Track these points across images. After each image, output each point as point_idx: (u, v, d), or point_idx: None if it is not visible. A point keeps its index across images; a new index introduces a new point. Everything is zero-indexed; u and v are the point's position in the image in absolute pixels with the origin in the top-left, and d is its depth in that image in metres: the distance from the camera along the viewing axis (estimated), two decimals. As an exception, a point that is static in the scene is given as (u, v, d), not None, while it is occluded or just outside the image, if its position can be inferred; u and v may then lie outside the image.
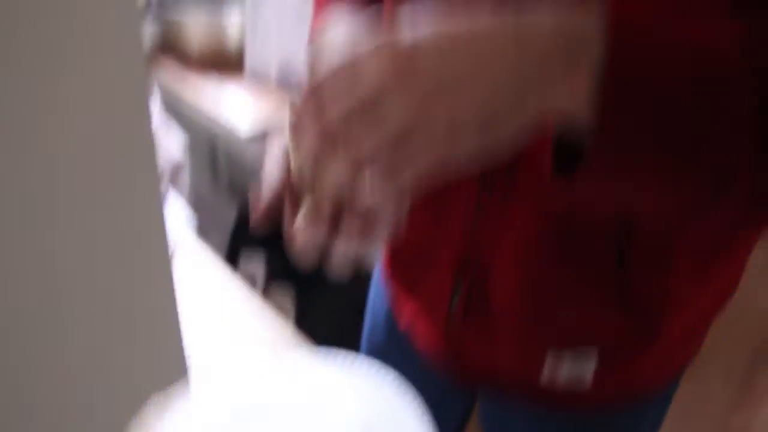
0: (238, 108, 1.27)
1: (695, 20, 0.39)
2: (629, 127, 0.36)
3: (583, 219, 0.49)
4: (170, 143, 1.24)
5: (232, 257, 1.41)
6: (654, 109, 0.36)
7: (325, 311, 1.33)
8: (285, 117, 0.46)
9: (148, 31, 1.52)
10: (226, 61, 1.41)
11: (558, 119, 0.37)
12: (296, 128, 0.38)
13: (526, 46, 0.35)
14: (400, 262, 0.65)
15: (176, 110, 1.38)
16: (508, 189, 0.51)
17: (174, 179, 1.24)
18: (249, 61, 1.33)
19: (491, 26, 0.36)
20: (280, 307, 1.27)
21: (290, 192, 0.45)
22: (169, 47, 1.46)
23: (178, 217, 0.97)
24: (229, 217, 1.55)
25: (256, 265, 1.38)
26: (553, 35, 0.35)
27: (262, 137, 1.20)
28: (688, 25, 0.38)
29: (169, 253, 0.43)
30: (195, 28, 1.40)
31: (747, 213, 0.42)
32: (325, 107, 0.36)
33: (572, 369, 0.57)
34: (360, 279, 0.85)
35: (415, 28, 0.36)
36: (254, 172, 1.66)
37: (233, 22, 1.39)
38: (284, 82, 1.28)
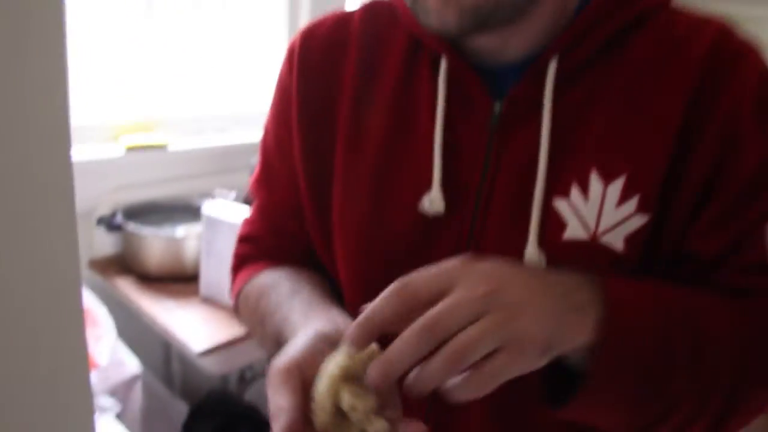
0: (192, 323, 1.36)
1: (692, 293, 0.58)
2: (617, 372, 0.51)
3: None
4: (125, 357, 1.31)
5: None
6: (635, 364, 0.52)
7: None
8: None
9: (107, 244, 1.63)
10: (183, 277, 1.53)
11: (568, 353, 0.50)
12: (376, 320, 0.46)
13: (559, 296, 0.49)
14: None
15: (133, 321, 1.46)
16: None
17: (128, 391, 1.29)
18: (203, 278, 1.44)
19: (533, 273, 0.51)
20: None
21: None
22: (128, 260, 1.56)
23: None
24: (179, 420, 1.58)
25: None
26: (571, 293, 0.51)
27: (215, 351, 1.28)
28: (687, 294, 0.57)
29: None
30: (153, 243, 1.52)
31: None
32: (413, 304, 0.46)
33: None
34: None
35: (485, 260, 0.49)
36: (207, 379, 1.71)
37: (191, 240, 1.52)
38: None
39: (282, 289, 0.69)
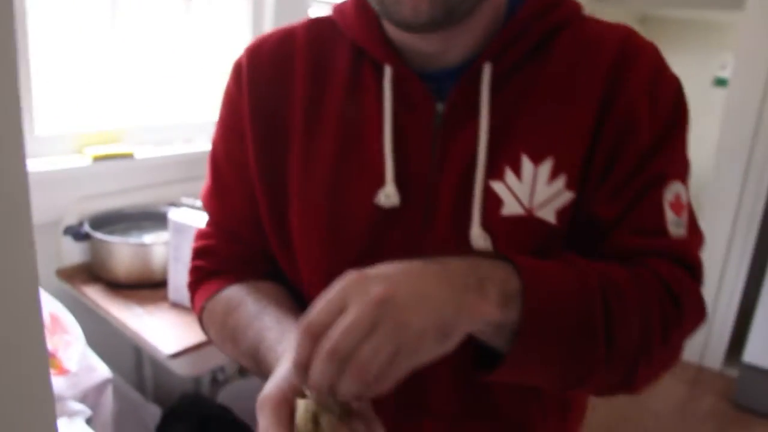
0: (162, 327, 1.39)
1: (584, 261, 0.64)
2: (539, 338, 0.58)
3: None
4: (95, 362, 1.33)
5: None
6: (555, 329, 0.58)
7: None
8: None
9: (75, 253, 1.65)
10: (151, 283, 1.56)
11: (481, 331, 0.57)
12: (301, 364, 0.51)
13: (453, 281, 0.55)
14: None
15: (103, 328, 1.48)
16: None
17: (99, 396, 1.32)
18: (171, 283, 1.48)
19: (425, 267, 0.55)
20: None
21: None
22: (96, 269, 1.59)
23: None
24: (153, 423, 1.60)
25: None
26: (466, 275, 0.56)
27: (185, 354, 1.31)
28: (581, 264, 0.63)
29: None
30: (121, 250, 1.55)
31: (600, 387, 0.65)
32: (321, 338, 0.50)
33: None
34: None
35: (373, 270, 0.54)
36: (179, 382, 1.74)
37: (158, 247, 1.55)
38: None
39: (248, 306, 0.74)
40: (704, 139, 3.88)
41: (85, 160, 1.66)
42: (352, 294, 0.51)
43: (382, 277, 0.52)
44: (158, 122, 1.88)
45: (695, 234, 0.69)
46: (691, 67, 4.24)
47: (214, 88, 2.00)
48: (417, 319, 0.50)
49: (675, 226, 0.67)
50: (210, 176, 0.81)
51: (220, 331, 0.77)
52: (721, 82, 4.15)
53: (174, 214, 1.43)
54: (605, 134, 0.66)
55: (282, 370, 0.58)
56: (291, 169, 0.73)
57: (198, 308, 0.81)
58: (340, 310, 0.50)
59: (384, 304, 0.50)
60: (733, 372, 2.84)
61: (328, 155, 0.71)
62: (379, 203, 0.69)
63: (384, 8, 0.63)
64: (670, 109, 0.68)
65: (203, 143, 1.93)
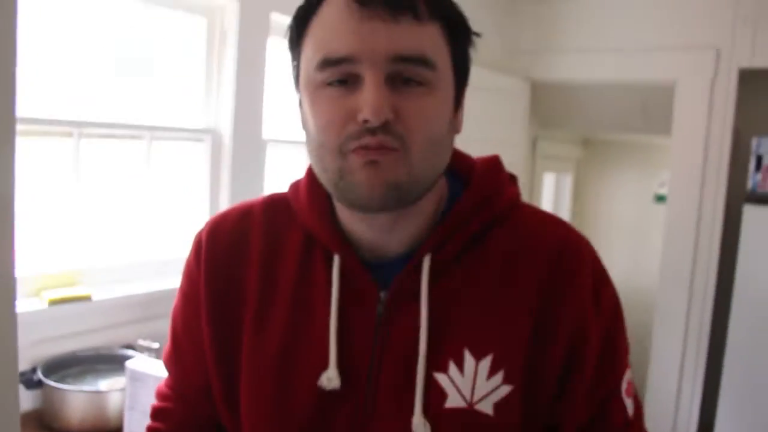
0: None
1: None
2: None
3: None
4: None
5: None
6: None
7: None
8: None
9: (26, 400, 1.60)
10: (105, 431, 1.51)
11: None
12: None
13: None
14: None
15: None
16: None
17: None
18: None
19: None
20: None
21: None
22: (48, 417, 1.54)
23: None
24: None
25: None
26: None
27: None
28: None
29: None
30: (76, 398, 1.51)
31: None
32: None
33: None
34: None
35: None
36: None
37: (114, 394, 1.53)
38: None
39: None
40: (649, 255, 4.05)
41: (41, 304, 1.65)
42: None
43: None
44: (116, 262, 1.90)
45: (639, 408, 0.76)
46: (632, 185, 4.49)
47: (172, 224, 2.04)
48: None
49: (630, 408, 0.74)
50: (170, 340, 0.85)
51: None
52: (661, 199, 4.40)
53: (131, 363, 1.42)
54: (556, 338, 0.70)
55: None
56: (243, 345, 0.76)
57: None
58: None
59: None
60: (700, 489, 2.82)
61: (278, 334, 0.74)
62: (321, 386, 0.71)
63: (338, 190, 0.68)
64: (612, 309, 0.74)
65: (161, 281, 1.94)
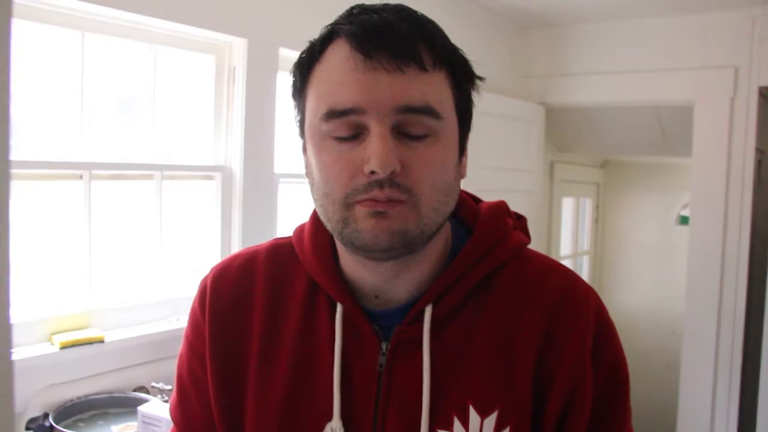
0: None
1: None
2: None
3: None
4: None
5: None
6: None
7: None
8: None
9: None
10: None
11: None
12: None
13: None
14: None
15: None
16: None
17: None
18: (137, 478, 1.41)
19: None
20: None
21: None
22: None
23: None
24: None
25: None
26: None
27: None
28: None
29: None
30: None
31: None
32: None
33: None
34: None
35: None
36: None
37: (125, 439, 1.50)
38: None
39: None
40: (675, 279, 3.95)
41: (52, 348, 1.63)
42: None
43: None
44: (128, 303, 1.88)
45: None
46: (654, 207, 4.41)
47: (185, 266, 2.02)
48: None
49: None
50: (176, 389, 0.83)
51: None
52: (685, 221, 4.30)
53: (143, 407, 1.40)
54: (554, 389, 0.68)
55: None
56: (247, 393, 0.75)
57: None
58: None
59: None
60: None
61: (283, 383, 0.73)
62: None
63: (343, 237, 0.67)
64: (612, 366, 0.71)
65: (174, 321, 1.92)
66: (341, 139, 0.65)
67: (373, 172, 0.62)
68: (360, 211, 0.64)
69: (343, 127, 0.64)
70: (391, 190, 0.62)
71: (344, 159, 0.64)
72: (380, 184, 0.62)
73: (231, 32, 1.96)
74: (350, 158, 0.64)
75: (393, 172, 0.62)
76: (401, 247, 0.65)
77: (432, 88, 0.64)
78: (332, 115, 0.64)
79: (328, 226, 0.68)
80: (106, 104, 1.81)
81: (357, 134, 0.64)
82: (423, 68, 0.63)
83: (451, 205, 0.69)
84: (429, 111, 0.64)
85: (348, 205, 0.65)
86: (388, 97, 0.62)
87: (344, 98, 0.63)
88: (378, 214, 0.63)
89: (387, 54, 0.62)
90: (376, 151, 0.61)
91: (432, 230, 0.67)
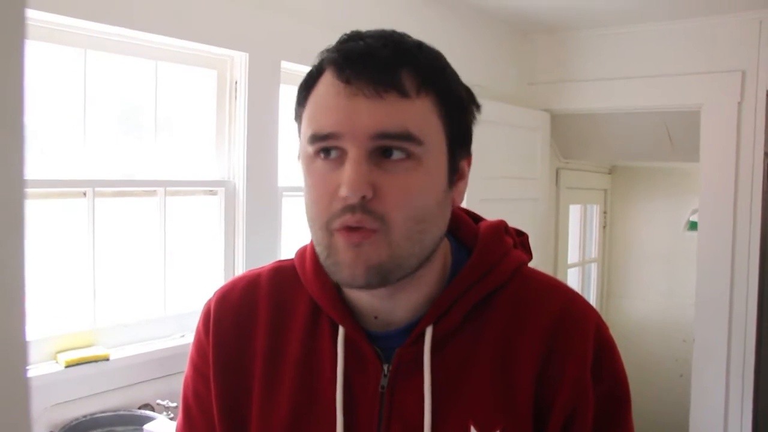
0: None
1: None
2: None
3: None
4: None
5: None
6: None
7: None
8: None
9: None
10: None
11: None
12: None
13: None
14: None
15: None
16: None
17: None
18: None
19: None
20: None
21: None
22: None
23: None
24: None
25: None
26: None
27: None
28: None
29: None
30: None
31: None
32: None
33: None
34: None
35: None
36: None
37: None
38: None
39: None
40: (684, 285, 3.91)
41: (57, 367, 1.63)
42: None
43: None
44: (133, 320, 1.87)
45: None
46: (663, 213, 4.36)
47: (189, 282, 2.02)
48: None
49: None
50: (181, 411, 0.84)
51: None
52: (694, 226, 4.25)
53: (149, 426, 1.39)
54: (555, 407, 0.68)
55: None
56: (251, 415, 0.75)
57: None
58: None
59: None
60: None
61: (287, 404, 0.73)
62: None
63: (326, 267, 0.68)
64: (613, 384, 0.71)
65: (179, 338, 1.91)
66: (324, 162, 0.67)
67: (345, 197, 0.63)
68: (339, 241, 0.65)
69: (326, 151, 0.66)
70: (363, 216, 0.64)
71: (326, 182, 0.66)
72: (352, 209, 0.64)
73: (232, 46, 1.96)
74: (330, 182, 0.66)
75: (364, 198, 0.63)
76: (379, 282, 0.66)
77: (413, 114, 0.65)
78: (315, 139, 0.66)
79: (317, 250, 0.69)
80: (108, 121, 1.81)
81: (339, 158, 0.66)
82: (404, 94, 0.64)
83: (433, 232, 0.69)
84: (407, 137, 0.64)
85: (330, 231, 0.66)
86: (365, 123, 0.63)
87: (326, 123, 0.65)
88: (356, 247, 0.64)
89: (366, 81, 0.64)
90: (347, 176, 0.63)
91: (411, 261, 0.67)
